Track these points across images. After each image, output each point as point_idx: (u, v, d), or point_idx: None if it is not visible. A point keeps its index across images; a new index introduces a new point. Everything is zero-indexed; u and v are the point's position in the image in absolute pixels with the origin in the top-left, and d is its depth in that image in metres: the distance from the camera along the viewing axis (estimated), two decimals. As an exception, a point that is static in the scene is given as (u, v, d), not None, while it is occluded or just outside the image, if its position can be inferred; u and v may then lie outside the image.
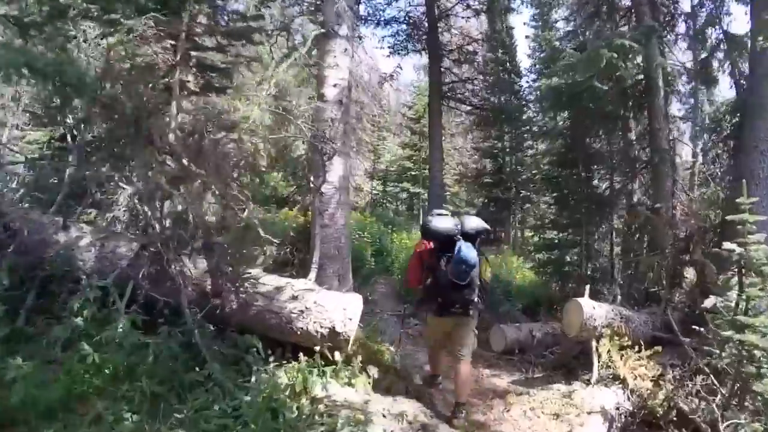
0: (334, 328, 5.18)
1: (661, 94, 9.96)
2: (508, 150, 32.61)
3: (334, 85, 6.99)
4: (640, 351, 6.98)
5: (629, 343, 7.00)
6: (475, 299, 4.91)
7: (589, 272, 13.33)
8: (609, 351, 6.93)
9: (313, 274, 6.19)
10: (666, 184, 9.60)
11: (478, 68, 12.17)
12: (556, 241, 15.09)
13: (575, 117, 12.53)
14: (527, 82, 28.35)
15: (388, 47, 12.71)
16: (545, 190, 16.83)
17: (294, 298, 5.45)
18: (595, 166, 13.28)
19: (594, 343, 7.13)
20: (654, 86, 9.87)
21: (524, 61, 33.75)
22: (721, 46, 10.75)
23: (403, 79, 32.62)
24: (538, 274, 16.27)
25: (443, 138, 29.77)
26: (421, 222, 6.22)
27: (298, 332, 5.31)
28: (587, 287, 7.62)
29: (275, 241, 6.37)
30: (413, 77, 34.96)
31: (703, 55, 11.25)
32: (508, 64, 24.16)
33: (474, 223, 5.01)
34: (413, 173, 31.68)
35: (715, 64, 10.88)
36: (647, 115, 10.13)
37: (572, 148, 13.04)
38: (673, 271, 8.33)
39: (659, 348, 7.14)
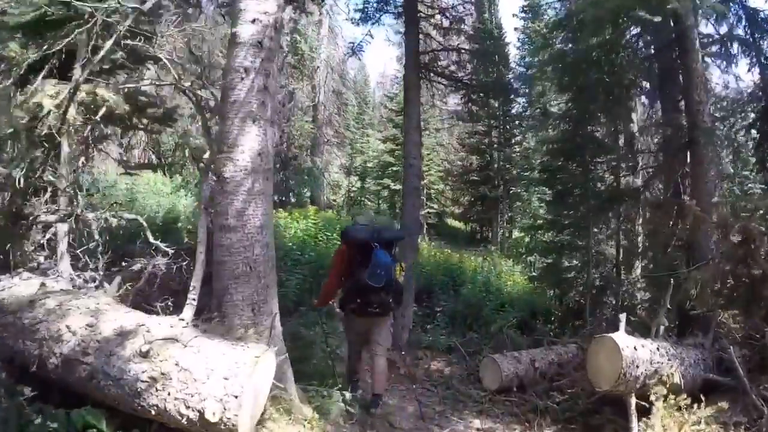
0: (203, 412, 2.82)
1: (699, 57, 7.62)
2: (495, 146, 30.49)
3: (253, 21, 4.54)
4: (693, 405, 4.65)
5: (687, 401, 4.64)
6: (390, 300, 5.17)
7: (597, 281, 11.04)
8: (659, 413, 4.57)
9: (189, 310, 3.80)
10: (709, 174, 7.25)
11: (464, 35, 9.62)
12: (554, 243, 12.78)
13: (580, 95, 10.23)
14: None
15: (357, 11, 10.19)
16: (542, 185, 14.57)
17: (144, 354, 3.06)
18: (600, 157, 10.99)
19: (632, 400, 4.79)
20: (690, 47, 7.53)
21: (513, 52, 31.35)
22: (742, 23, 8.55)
23: (389, 71, 30.32)
24: (533, 280, 14.07)
25: (425, 128, 28.30)
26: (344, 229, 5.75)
27: (152, 411, 3.04)
28: (623, 316, 5.20)
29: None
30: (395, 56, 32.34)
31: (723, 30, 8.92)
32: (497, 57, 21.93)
33: (392, 232, 5.48)
34: (395, 169, 29.15)
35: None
36: (683, 84, 7.76)
37: (575, 134, 10.72)
38: (731, 288, 6.02)
39: (724, 404, 4.81)
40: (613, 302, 11.13)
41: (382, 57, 72.22)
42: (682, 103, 8.07)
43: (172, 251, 5.13)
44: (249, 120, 4.44)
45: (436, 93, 10.58)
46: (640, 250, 11.52)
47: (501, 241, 29.22)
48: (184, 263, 4.99)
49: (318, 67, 21.36)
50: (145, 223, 5.15)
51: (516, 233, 29.31)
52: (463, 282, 11.52)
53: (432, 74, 9.50)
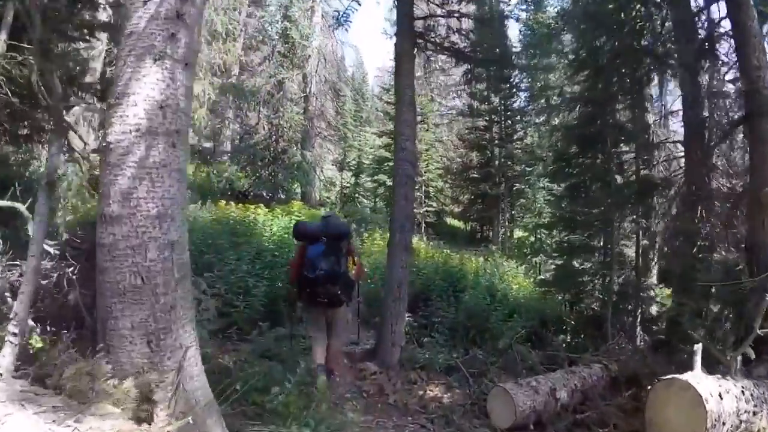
0: None
1: (755, 14, 6.08)
2: (496, 142, 28.97)
3: None
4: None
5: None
6: (338, 292, 5.19)
7: (617, 286, 9.53)
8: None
9: (8, 351, 2.28)
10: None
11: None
12: (566, 243, 11.29)
13: (597, 73, 8.73)
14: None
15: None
16: (552, 178, 13.04)
17: None
18: (622, 146, 9.49)
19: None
20: (744, 2, 6.02)
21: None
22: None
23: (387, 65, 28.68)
24: (542, 284, 12.57)
25: (422, 122, 26.77)
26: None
27: None
28: (698, 347, 3.65)
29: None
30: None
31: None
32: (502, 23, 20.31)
33: (337, 227, 5.42)
34: (391, 164, 27.32)
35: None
36: (736, 45, 6.23)
37: (595, 117, 9.22)
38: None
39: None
40: (633, 310, 9.69)
41: (381, 52, 70.58)
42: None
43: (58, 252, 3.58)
44: (148, 58, 2.91)
45: (434, 68, 9.01)
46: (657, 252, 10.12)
47: (502, 241, 27.73)
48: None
49: (309, 56, 19.83)
50: (26, 212, 3.56)
51: (518, 233, 27.89)
52: (464, 287, 9.97)
53: (428, 44, 7.95)
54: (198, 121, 16.80)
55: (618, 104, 9.28)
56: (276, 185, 19.00)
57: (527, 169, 22.97)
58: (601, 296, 10.43)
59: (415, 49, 7.61)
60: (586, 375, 6.51)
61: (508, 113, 29.25)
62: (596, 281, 10.66)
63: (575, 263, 11.13)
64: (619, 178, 9.23)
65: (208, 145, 22.76)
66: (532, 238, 20.51)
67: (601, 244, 10.35)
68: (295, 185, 20.31)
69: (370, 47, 75.41)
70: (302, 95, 20.40)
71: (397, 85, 7.19)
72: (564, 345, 9.85)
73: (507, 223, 28.85)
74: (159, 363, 2.86)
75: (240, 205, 11.47)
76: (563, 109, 11.01)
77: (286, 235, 9.57)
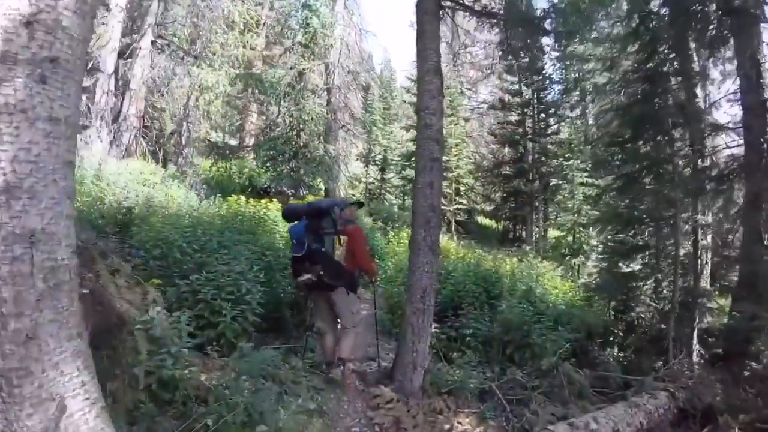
0: None
1: None
2: (529, 136, 27.53)
3: None
4: None
5: None
6: (321, 272, 4.96)
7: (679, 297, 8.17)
8: None
9: None
10: None
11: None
12: (616, 242, 9.97)
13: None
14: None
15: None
16: (597, 168, 11.67)
17: None
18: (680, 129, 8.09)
19: None
20: None
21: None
22: None
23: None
24: (586, 290, 11.25)
25: (450, 114, 25.48)
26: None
27: None
28: None
29: None
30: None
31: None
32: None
33: (316, 204, 5.26)
34: None
35: None
36: None
37: (651, 95, 7.86)
38: None
39: None
40: (692, 321, 8.32)
41: (408, 49, 69.20)
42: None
43: None
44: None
45: (460, 34, 7.75)
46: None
47: (536, 241, 26.31)
48: None
49: (332, 45, 18.70)
50: None
51: (552, 232, 26.40)
52: (499, 292, 8.70)
53: (456, 5, 6.70)
54: (214, 114, 15.85)
55: (673, 81, 7.96)
56: (298, 181, 17.90)
57: (565, 163, 21.37)
58: (653, 304, 9.10)
59: (440, 11, 6.38)
60: (652, 408, 5.28)
61: (542, 106, 27.86)
62: (647, 286, 9.33)
63: (622, 266, 9.81)
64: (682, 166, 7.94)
65: (233, 142, 21.89)
66: (570, 238, 19.07)
67: (653, 242, 9.05)
68: (318, 181, 19.14)
69: (397, 46, 74.27)
70: (325, 87, 19.31)
71: (419, 50, 5.91)
72: (610, 359, 8.57)
73: (541, 222, 27.41)
74: (13, 424, 1.72)
75: (253, 200, 10.35)
76: (615, 89, 9.61)
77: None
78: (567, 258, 17.58)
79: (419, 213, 5.38)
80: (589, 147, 18.91)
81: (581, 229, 19.01)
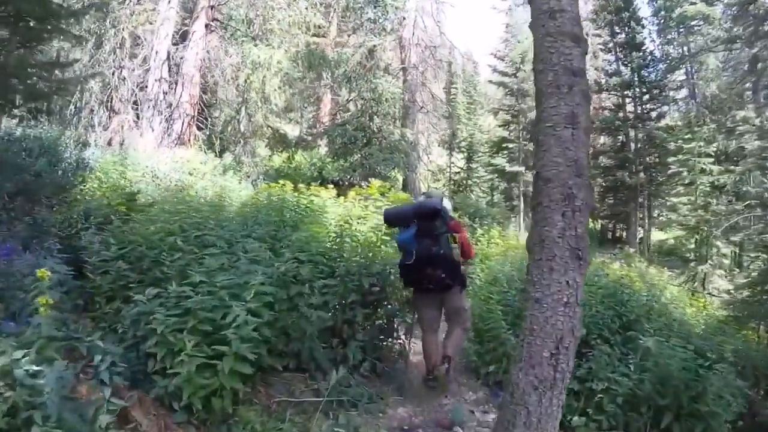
0: None
1: None
2: (630, 122, 23.87)
3: None
4: None
5: None
6: (443, 275, 4.58)
7: None
8: None
9: None
10: None
11: None
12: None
13: None
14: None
15: None
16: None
17: None
18: None
19: None
20: None
21: None
22: None
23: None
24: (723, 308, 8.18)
25: None
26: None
27: None
28: None
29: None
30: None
31: None
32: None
33: (426, 205, 4.82)
34: (511, 146, 22.70)
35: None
36: None
37: None
38: None
39: None
40: None
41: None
42: None
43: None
44: None
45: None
46: None
47: (640, 242, 22.70)
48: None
49: (404, 18, 16.23)
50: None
51: (656, 233, 22.76)
52: (635, 319, 5.77)
53: None
54: (273, 97, 13.75)
55: None
56: (371, 170, 15.35)
57: (684, 146, 17.45)
58: None
59: None
60: None
61: (644, 87, 24.07)
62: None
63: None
64: None
65: (297, 131, 19.83)
66: (695, 238, 15.38)
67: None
68: (394, 170, 16.46)
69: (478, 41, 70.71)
70: (400, 67, 16.91)
71: None
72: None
73: (647, 220, 23.74)
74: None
75: (302, 187, 7.90)
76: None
77: (349, 226, 5.96)
78: (693, 264, 14.09)
79: (550, 179, 2.73)
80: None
81: (704, 228, 15.34)
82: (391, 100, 15.51)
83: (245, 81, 13.36)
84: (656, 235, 23.83)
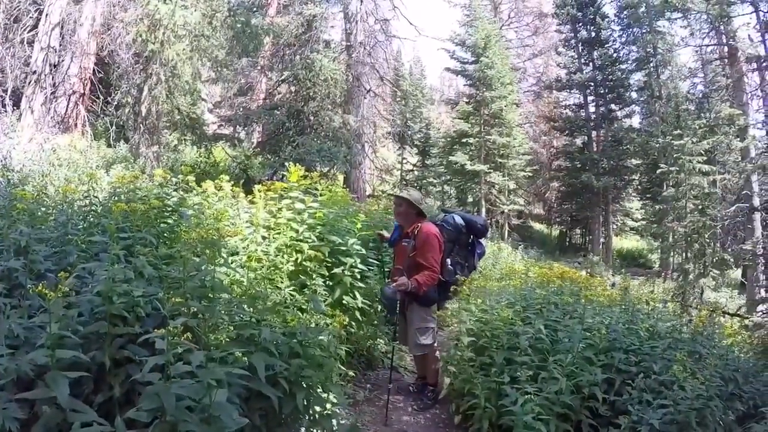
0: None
1: None
2: (592, 123, 21.81)
3: None
4: None
5: None
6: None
7: None
8: None
9: None
10: None
11: None
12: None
13: None
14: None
15: None
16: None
17: None
18: None
19: None
20: None
21: None
22: None
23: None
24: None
25: (505, 100, 18.90)
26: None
27: None
28: None
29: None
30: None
31: None
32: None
33: (472, 219, 4.63)
34: (471, 141, 20.10)
35: None
36: None
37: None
38: None
39: None
40: None
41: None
42: None
43: None
44: None
45: None
46: None
47: (605, 251, 20.66)
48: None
49: (350, -14, 13.32)
50: None
51: (618, 241, 20.70)
52: (657, 355, 3.08)
53: None
54: (181, 70, 10.28)
55: None
56: (305, 166, 12.03)
57: (674, 142, 15.03)
58: None
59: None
60: None
61: (607, 85, 22.10)
62: None
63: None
64: None
65: (214, 118, 16.22)
66: (692, 248, 13.01)
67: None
68: (330, 164, 12.94)
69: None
70: (344, 42, 13.93)
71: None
72: None
73: (611, 226, 21.66)
74: None
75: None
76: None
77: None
78: (691, 278, 11.68)
79: None
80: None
81: (697, 235, 13.04)
82: (331, 81, 12.44)
83: (143, 42, 9.99)
84: (621, 242, 22.04)
